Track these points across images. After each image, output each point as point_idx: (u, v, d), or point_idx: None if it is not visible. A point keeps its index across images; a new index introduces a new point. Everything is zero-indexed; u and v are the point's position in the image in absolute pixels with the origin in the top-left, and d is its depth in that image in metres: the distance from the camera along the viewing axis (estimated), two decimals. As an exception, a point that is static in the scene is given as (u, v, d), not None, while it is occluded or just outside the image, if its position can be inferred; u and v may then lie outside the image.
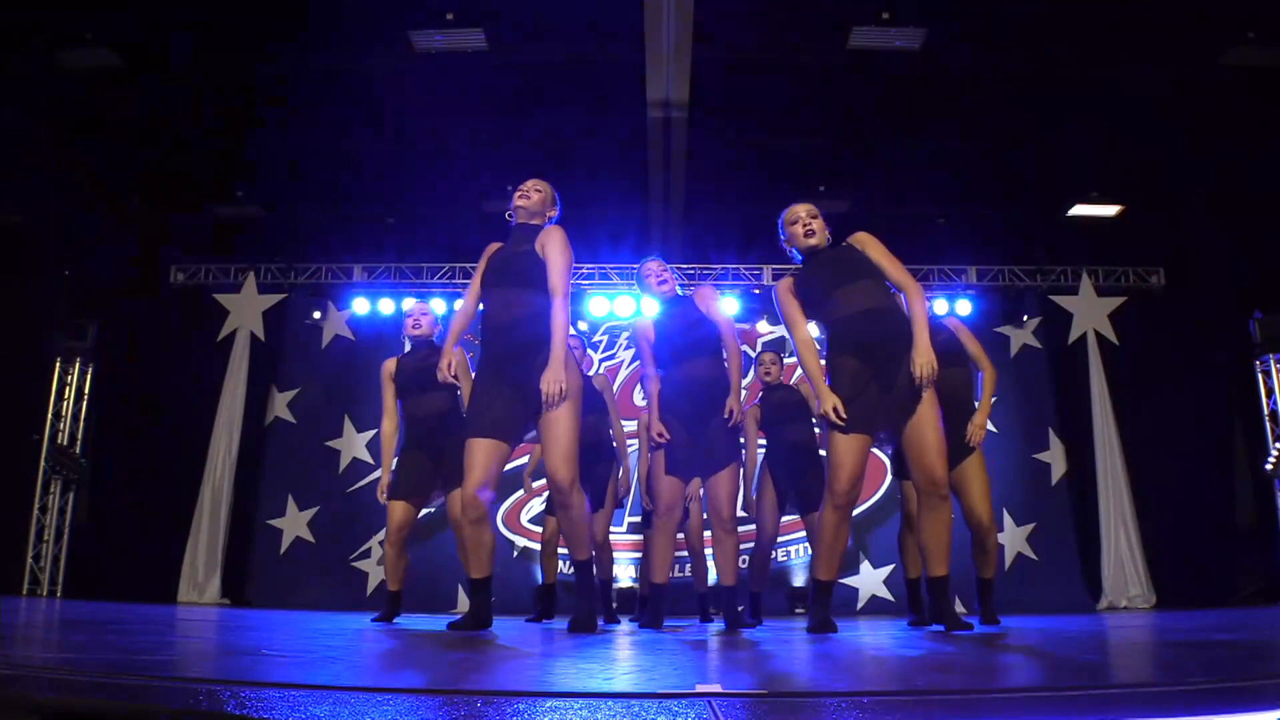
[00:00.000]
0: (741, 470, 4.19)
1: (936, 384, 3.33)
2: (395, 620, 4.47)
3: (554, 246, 3.44)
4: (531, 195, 3.60)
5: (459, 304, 3.65)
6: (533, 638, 3.25)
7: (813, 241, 3.58)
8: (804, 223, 3.59)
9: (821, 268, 3.54)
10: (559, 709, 1.26)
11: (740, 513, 4.23)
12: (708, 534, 5.16)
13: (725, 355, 4.12)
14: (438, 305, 7.83)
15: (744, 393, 4.64)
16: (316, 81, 6.51)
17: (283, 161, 7.44)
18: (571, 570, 7.76)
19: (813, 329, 3.62)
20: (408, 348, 4.75)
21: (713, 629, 4.26)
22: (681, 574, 7.41)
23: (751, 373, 6.99)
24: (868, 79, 6.38)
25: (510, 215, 3.64)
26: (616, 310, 8.16)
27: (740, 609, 4.28)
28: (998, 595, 4.42)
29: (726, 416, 3.96)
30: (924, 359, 3.26)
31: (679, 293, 4.36)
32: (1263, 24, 5.73)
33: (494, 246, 3.62)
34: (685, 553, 6.87)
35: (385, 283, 8.31)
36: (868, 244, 3.51)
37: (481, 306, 3.58)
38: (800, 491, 5.14)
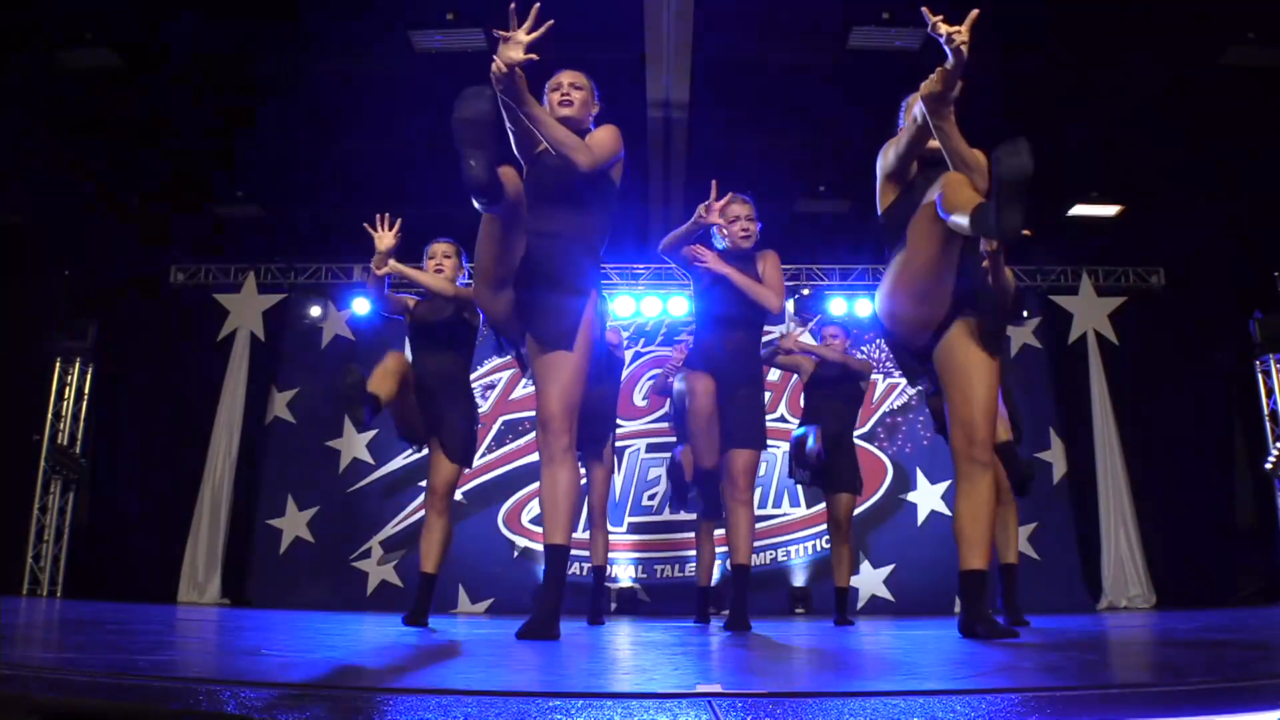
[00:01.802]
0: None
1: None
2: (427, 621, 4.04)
3: (606, 140, 3.03)
4: (574, 96, 3.15)
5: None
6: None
7: (933, 145, 3.01)
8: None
9: (919, 188, 3.02)
10: (559, 709, 1.26)
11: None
12: (719, 533, 5.13)
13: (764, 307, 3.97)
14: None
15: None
16: (316, 81, 6.51)
17: (283, 161, 7.43)
18: (571, 571, 7.70)
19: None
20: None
21: (713, 627, 4.26)
22: (681, 574, 7.41)
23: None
24: (868, 79, 6.37)
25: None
26: (616, 310, 8.16)
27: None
28: (998, 594, 4.42)
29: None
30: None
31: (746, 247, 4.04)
32: (1263, 24, 5.73)
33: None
34: (691, 552, 6.88)
35: (385, 282, 8.29)
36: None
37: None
38: (822, 474, 5.06)
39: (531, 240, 2.97)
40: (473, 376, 5.03)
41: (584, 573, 7.59)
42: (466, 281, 4.31)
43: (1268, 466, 7.35)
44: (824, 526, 5.84)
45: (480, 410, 6.49)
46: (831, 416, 5.21)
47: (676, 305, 8.10)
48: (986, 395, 2.81)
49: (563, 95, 3.19)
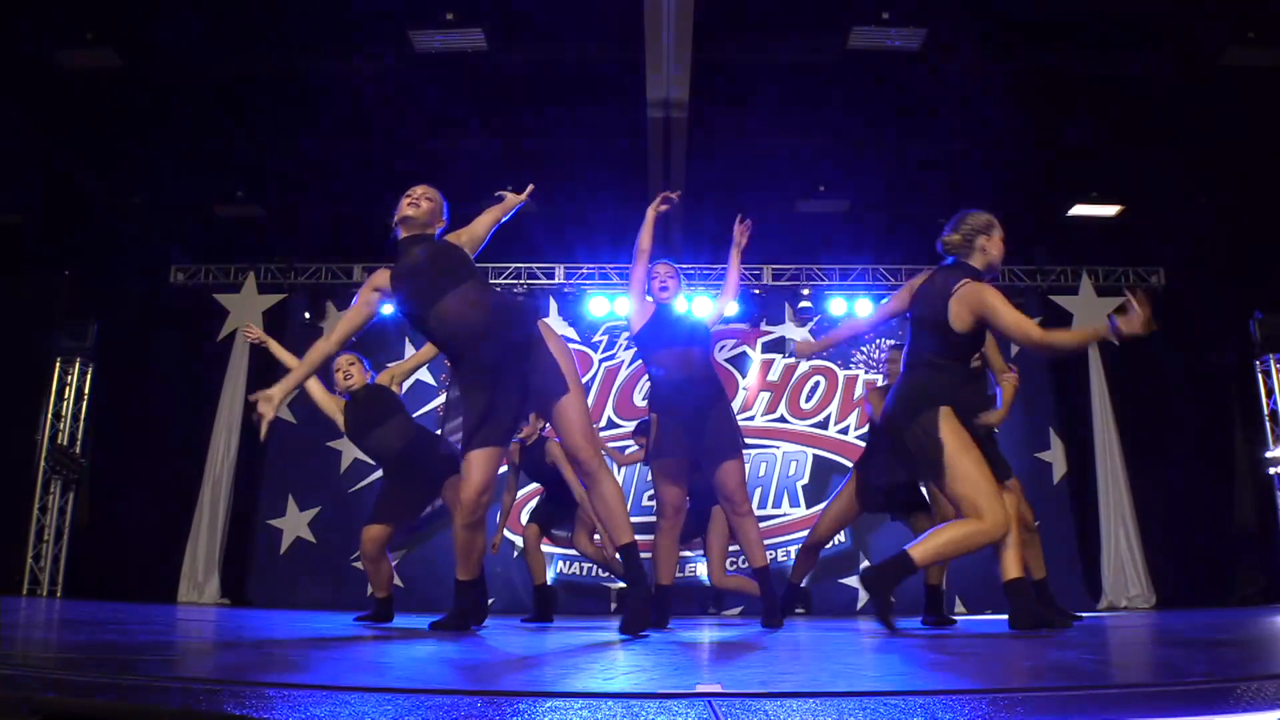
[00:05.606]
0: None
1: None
2: (390, 622, 4.45)
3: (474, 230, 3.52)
4: (421, 204, 3.43)
5: (327, 342, 3.46)
6: (531, 638, 3.25)
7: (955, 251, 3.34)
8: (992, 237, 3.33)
9: (927, 299, 3.31)
10: (559, 709, 1.26)
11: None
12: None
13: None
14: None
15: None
16: (316, 81, 6.50)
17: (283, 161, 7.43)
18: (573, 570, 7.69)
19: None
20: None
21: (710, 628, 4.26)
22: (681, 574, 7.40)
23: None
24: (868, 79, 6.37)
25: (395, 226, 3.46)
26: (616, 310, 8.16)
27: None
28: (999, 594, 4.41)
29: None
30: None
31: (675, 304, 4.40)
32: (1263, 24, 5.72)
33: (384, 274, 3.38)
34: (692, 552, 6.88)
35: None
36: (969, 298, 3.17)
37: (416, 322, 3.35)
38: (892, 495, 4.89)
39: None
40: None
41: (584, 572, 7.60)
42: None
43: (1270, 471, 7.36)
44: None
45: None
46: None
47: (676, 305, 8.08)
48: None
49: (411, 200, 3.48)
